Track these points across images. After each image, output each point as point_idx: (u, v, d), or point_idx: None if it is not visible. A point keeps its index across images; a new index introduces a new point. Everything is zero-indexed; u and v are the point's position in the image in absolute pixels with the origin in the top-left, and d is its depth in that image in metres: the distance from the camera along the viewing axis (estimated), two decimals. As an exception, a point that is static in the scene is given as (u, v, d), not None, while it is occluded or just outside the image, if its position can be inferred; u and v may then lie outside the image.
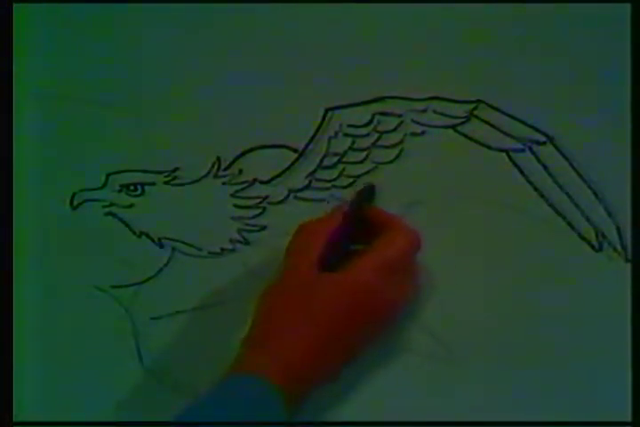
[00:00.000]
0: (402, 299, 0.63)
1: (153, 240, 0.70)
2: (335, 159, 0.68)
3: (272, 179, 0.69)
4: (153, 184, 0.69)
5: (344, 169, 0.68)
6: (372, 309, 0.61)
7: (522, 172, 0.67)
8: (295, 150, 0.69)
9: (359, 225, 0.65)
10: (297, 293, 0.61)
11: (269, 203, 0.69)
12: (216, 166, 0.69)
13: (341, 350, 0.61)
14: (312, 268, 0.61)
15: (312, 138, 0.68)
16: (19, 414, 0.68)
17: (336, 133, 0.68)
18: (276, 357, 0.59)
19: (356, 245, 0.64)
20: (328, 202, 0.69)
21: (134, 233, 0.70)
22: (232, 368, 0.60)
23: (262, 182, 0.69)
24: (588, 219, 0.66)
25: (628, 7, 0.66)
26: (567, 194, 0.66)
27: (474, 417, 0.65)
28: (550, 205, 0.66)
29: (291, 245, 0.64)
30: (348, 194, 0.68)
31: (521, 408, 0.66)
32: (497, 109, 0.67)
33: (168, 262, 0.70)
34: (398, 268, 0.62)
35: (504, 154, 0.67)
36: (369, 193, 0.67)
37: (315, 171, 0.68)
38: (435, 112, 0.67)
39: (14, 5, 0.70)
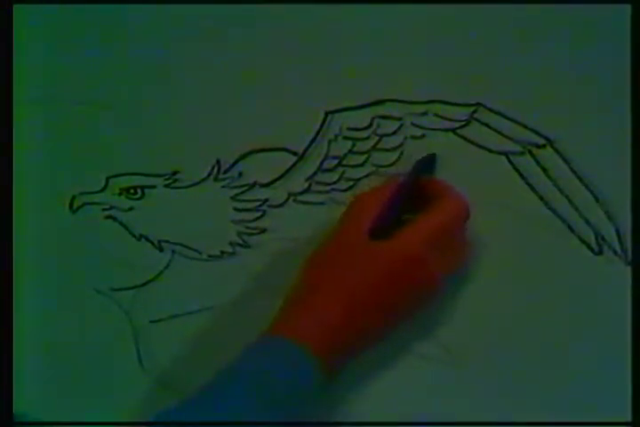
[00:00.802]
0: (448, 270, 0.62)
1: (153, 243, 0.70)
2: (335, 162, 0.68)
3: (272, 182, 0.69)
4: (153, 187, 0.69)
5: (344, 172, 0.68)
6: (418, 279, 0.60)
7: (521, 175, 0.67)
8: (295, 153, 0.68)
9: (415, 195, 0.64)
10: (344, 259, 0.61)
11: (269, 206, 0.69)
12: (216, 169, 0.69)
13: (383, 318, 0.61)
14: (363, 235, 0.61)
15: (312, 141, 0.68)
16: (19, 415, 0.68)
17: (336, 136, 0.68)
18: (317, 323, 0.58)
19: (410, 216, 0.63)
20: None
21: (134, 236, 0.70)
22: (271, 328, 0.59)
23: (262, 185, 0.69)
24: (587, 222, 0.66)
25: (628, 8, 0.66)
26: (567, 197, 0.66)
27: (474, 418, 0.65)
28: (550, 208, 0.66)
29: (345, 212, 0.64)
30: (348, 197, 0.68)
31: (521, 408, 0.66)
32: (497, 113, 0.67)
33: (168, 265, 0.70)
34: (447, 237, 0.62)
35: (504, 157, 0.67)
36: (429, 163, 0.66)
37: (315, 174, 0.68)
38: (435, 115, 0.67)
39: (14, 5, 0.70)
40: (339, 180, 0.68)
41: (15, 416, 0.67)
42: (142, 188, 0.69)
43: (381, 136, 0.68)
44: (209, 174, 0.69)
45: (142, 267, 0.70)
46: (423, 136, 0.68)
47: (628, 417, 0.61)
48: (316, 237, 0.66)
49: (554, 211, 0.66)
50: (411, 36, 0.68)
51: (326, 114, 0.68)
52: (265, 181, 0.69)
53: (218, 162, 0.69)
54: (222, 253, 0.69)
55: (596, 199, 0.66)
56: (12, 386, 0.67)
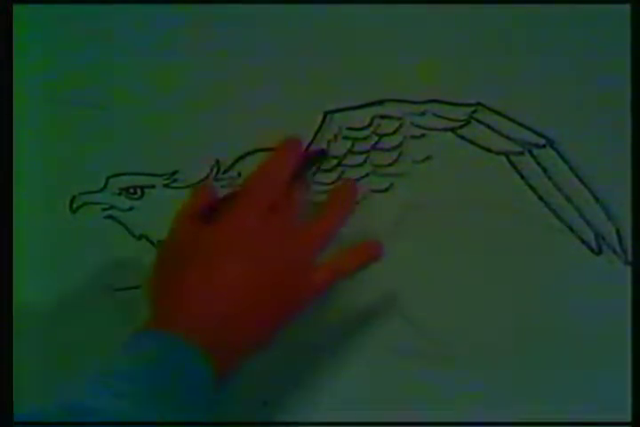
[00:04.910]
0: (290, 236, 0.59)
1: (152, 243, 0.70)
2: (334, 162, 0.68)
3: (271, 182, 0.69)
4: (152, 187, 0.69)
5: (343, 172, 0.68)
6: (264, 252, 0.57)
7: (521, 175, 0.67)
8: (294, 153, 0.68)
9: None
10: (190, 250, 0.58)
11: (268, 206, 0.69)
12: (215, 169, 0.69)
13: (262, 306, 0.57)
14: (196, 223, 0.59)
15: (311, 141, 0.68)
16: (19, 415, 0.68)
17: (335, 136, 0.68)
18: (195, 315, 0.55)
19: None
20: None
21: (134, 236, 0.70)
22: (149, 323, 0.56)
23: (261, 186, 0.69)
24: (587, 222, 0.66)
25: (627, 8, 0.66)
26: (567, 197, 0.66)
27: (473, 418, 0.65)
28: (550, 209, 0.66)
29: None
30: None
31: (521, 408, 0.66)
32: (496, 112, 0.67)
33: (167, 266, 0.70)
34: (270, 204, 0.59)
35: (503, 157, 0.67)
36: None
37: (314, 174, 0.68)
38: (434, 115, 0.67)
39: (14, 5, 0.70)
40: (338, 180, 0.68)
41: (15, 416, 0.67)
42: (142, 187, 0.69)
43: (381, 136, 0.68)
44: (208, 174, 0.69)
45: (142, 267, 0.70)
46: (423, 136, 0.68)
47: (628, 417, 0.61)
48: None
49: (554, 211, 0.66)
50: (411, 35, 0.68)
51: (325, 114, 0.68)
52: (264, 181, 0.69)
53: (217, 162, 0.69)
54: (222, 253, 0.69)
55: (596, 199, 0.66)
56: (12, 386, 0.67)
